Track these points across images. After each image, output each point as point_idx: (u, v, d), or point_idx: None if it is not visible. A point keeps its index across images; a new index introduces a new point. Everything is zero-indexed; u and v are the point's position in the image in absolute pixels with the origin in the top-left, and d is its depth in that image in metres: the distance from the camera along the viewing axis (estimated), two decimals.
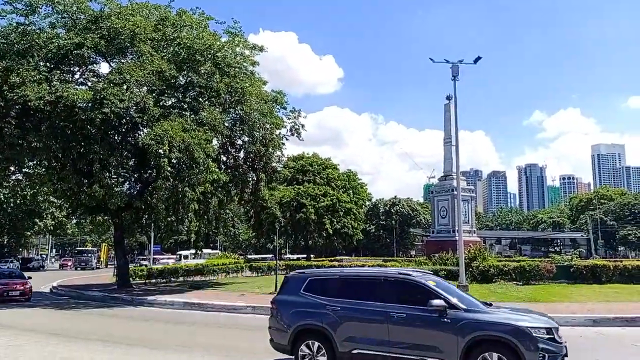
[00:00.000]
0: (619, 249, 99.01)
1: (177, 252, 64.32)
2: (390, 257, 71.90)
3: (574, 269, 26.57)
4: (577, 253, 62.83)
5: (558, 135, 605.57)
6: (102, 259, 72.06)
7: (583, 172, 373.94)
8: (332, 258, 55.93)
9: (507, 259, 42.31)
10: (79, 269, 59.69)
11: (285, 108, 30.17)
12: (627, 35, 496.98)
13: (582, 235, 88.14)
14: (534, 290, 22.53)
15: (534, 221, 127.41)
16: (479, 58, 23.74)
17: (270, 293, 23.59)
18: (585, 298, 19.88)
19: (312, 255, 64.31)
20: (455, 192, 30.46)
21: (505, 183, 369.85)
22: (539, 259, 35.22)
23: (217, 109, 25.68)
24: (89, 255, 66.23)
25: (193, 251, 56.78)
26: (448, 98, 37.23)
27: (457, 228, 27.59)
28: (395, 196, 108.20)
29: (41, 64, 23.31)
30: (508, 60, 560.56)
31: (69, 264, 65.63)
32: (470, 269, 26.62)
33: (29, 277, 25.08)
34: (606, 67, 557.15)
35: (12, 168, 27.18)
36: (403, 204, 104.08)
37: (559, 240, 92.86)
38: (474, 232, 40.62)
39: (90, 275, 44.43)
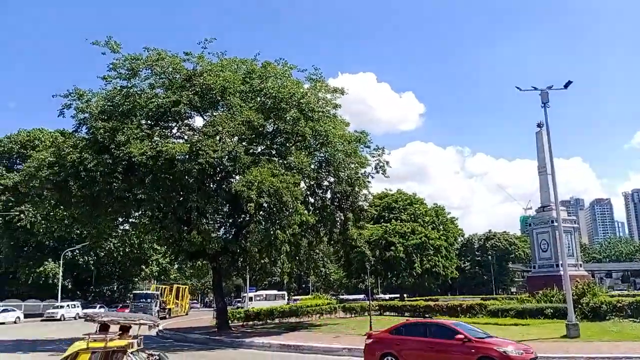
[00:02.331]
0: None
1: (242, 295, 65.19)
2: (488, 294, 68.36)
3: None
4: None
5: None
6: (180, 304, 57.75)
7: None
8: (427, 297, 54.18)
9: (621, 293, 38.70)
10: None
11: (368, 147, 30.44)
12: None
13: None
14: None
15: None
16: (569, 82, 22.69)
17: (365, 335, 23.25)
18: None
19: (405, 295, 62.72)
20: (556, 224, 28.68)
21: (611, 211, 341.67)
22: None
23: (303, 153, 26.43)
24: (149, 301, 47.64)
25: (257, 292, 59.66)
26: (539, 125, 35.67)
27: (561, 262, 25.89)
28: (490, 230, 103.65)
29: (143, 122, 25.47)
30: (599, 82, 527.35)
31: None
32: (580, 306, 24.65)
33: None
34: None
35: (120, 219, 29.43)
36: (499, 238, 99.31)
37: None
38: (580, 266, 37.74)
39: (192, 319, 46.31)
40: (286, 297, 66.10)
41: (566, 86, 22.72)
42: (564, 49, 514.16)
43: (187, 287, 65.82)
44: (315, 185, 29.51)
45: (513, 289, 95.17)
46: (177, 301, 55.67)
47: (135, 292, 54.94)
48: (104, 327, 9.78)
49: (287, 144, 27.69)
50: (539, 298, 29.47)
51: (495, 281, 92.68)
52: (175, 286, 57.72)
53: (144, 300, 47.49)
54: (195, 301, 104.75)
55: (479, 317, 28.73)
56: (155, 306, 46.21)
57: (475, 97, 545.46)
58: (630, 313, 23.67)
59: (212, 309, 44.94)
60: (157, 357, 9.24)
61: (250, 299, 58.68)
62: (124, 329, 9.91)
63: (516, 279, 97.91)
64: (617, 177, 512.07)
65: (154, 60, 25.66)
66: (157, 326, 9.59)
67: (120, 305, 56.36)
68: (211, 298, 78.94)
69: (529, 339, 19.31)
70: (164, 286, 54.15)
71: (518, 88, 23.13)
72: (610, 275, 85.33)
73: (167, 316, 48.94)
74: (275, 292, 67.67)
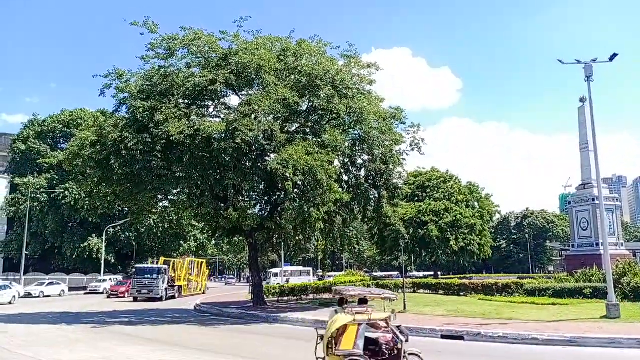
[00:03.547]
0: None
1: (268, 271, 65.76)
2: (525, 273, 67.51)
3: None
4: None
5: None
6: (194, 280, 49.58)
7: None
8: (462, 276, 53.98)
9: None
10: (138, 298, 38.63)
11: (404, 123, 30.19)
12: None
13: None
14: None
15: None
16: (615, 55, 21.80)
17: (399, 312, 23.42)
18: None
19: (439, 273, 62.54)
20: (597, 202, 27.92)
21: None
22: None
23: (338, 131, 26.39)
24: (154, 277, 39.32)
25: (282, 269, 59.37)
26: (582, 100, 34.45)
27: (601, 241, 25.24)
28: (527, 208, 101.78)
29: (180, 101, 25.84)
30: None
31: (122, 290, 44.74)
32: (620, 286, 24.13)
33: None
34: None
35: (159, 196, 30.23)
36: (537, 216, 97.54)
37: None
38: (622, 245, 36.68)
39: (230, 293, 47.49)
40: (312, 274, 66.86)
41: (611, 59, 21.84)
42: (611, 20, 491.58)
43: (204, 261, 58.50)
44: (349, 163, 29.55)
45: (550, 268, 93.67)
46: (190, 277, 48.27)
47: (138, 265, 44.73)
48: (362, 301, 10.36)
49: (322, 122, 27.71)
50: (577, 277, 28.96)
51: (532, 260, 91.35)
52: (188, 259, 50.17)
53: (148, 275, 39.34)
54: (232, 277, 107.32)
55: (515, 296, 28.49)
56: (163, 283, 39.13)
57: (514, 72, 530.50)
58: None
59: (248, 284, 45.93)
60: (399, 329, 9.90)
61: (275, 275, 59.65)
62: (362, 302, 10.45)
63: (554, 258, 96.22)
64: None
65: (191, 40, 25.91)
66: (396, 299, 10.60)
67: (117, 281, 50.19)
68: (248, 274, 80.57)
69: (567, 319, 19.11)
70: (175, 260, 46.61)
71: (560, 61, 22.39)
72: None
73: (177, 295, 42.55)
74: (300, 268, 68.55)
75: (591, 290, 25.17)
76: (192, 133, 23.50)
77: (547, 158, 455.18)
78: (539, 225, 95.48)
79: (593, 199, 33.41)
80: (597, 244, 31.93)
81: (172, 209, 33.44)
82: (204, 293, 49.12)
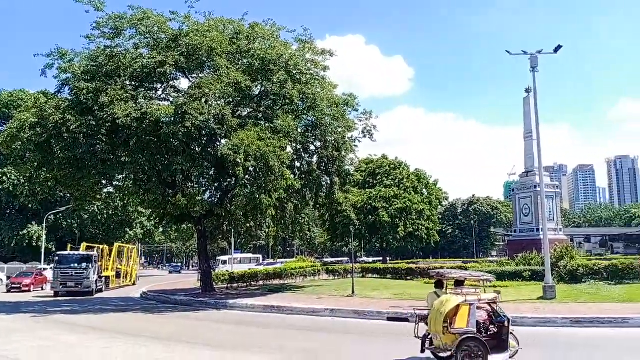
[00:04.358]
0: None
1: (217, 258, 65.30)
2: (469, 258, 69.93)
3: None
4: None
5: None
6: (123, 270, 41.94)
7: None
8: (409, 260, 55.28)
9: (598, 257, 39.83)
10: (61, 292, 31.52)
11: (356, 110, 30.30)
12: None
13: None
14: (628, 290, 21.12)
15: (627, 216, 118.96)
16: (559, 47, 22.69)
17: (347, 296, 23.79)
18: None
19: (388, 258, 63.85)
20: (538, 189, 29.15)
21: (593, 177, 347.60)
22: (634, 257, 32.94)
23: (290, 116, 26.26)
24: (84, 266, 32.16)
25: (231, 256, 58.95)
26: (527, 91, 35.79)
27: (541, 226, 26.43)
28: (473, 195, 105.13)
29: (127, 83, 24.99)
30: (587, 48, 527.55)
31: (27, 283, 36.29)
32: (557, 269, 25.38)
33: None
34: None
35: (103, 182, 29.24)
36: (482, 203, 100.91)
37: None
38: (560, 230, 38.63)
39: (174, 282, 46.62)
40: (261, 260, 66.87)
41: (556, 50, 22.71)
42: (556, 13, 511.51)
43: (135, 247, 51.62)
44: (301, 149, 29.42)
45: (494, 253, 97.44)
46: (119, 267, 41.13)
47: (61, 253, 35.50)
48: (458, 283, 10.78)
49: (274, 107, 27.38)
50: (518, 261, 30.24)
51: (477, 245, 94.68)
52: (116, 245, 42.03)
53: (75, 264, 31.98)
54: (178, 264, 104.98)
55: None
56: (94, 274, 32.71)
57: (464, 63, 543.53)
58: (606, 276, 24.44)
59: (196, 271, 45.22)
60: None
61: (224, 262, 59.31)
62: (459, 284, 10.81)
63: (497, 243, 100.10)
64: (601, 143, 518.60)
65: (139, 20, 25.01)
66: (493, 281, 11.37)
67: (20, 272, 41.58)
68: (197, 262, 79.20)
69: (506, 301, 19.91)
70: (99, 246, 38.97)
71: (508, 52, 23.13)
72: (589, 240, 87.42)
73: (104, 287, 35.19)
74: (250, 255, 68.33)
75: (530, 273, 26.34)
76: (139, 116, 22.79)
77: (494, 147, 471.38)
78: (484, 211, 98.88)
79: (535, 187, 34.91)
80: (538, 230, 33.46)
81: (117, 195, 32.49)
82: (134, 284, 42.60)
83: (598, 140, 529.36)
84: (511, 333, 9.95)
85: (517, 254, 32.52)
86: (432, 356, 10.39)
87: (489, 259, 65.48)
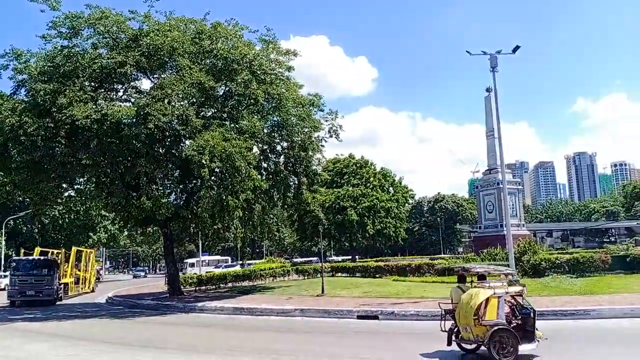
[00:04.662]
0: None
1: (185, 261, 64.34)
2: (436, 254, 70.99)
3: (630, 259, 25.63)
4: (634, 242, 60.03)
5: (605, 121, 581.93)
6: (82, 276, 38.16)
7: (635, 158, 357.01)
8: (378, 258, 55.71)
9: (560, 251, 41.02)
10: (17, 302, 28.29)
11: (322, 110, 30.28)
12: None
13: (637, 224, 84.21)
14: (589, 282, 21.80)
15: (586, 211, 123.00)
16: (517, 47, 23.19)
17: (317, 295, 23.79)
18: None
19: (357, 257, 64.24)
20: (501, 186, 29.81)
21: (554, 174, 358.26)
22: (593, 250, 34.05)
23: (256, 117, 26.07)
24: (45, 272, 29.24)
25: (199, 258, 57.96)
26: (488, 90, 36.56)
27: (504, 222, 27.00)
28: (439, 192, 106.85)
29: (86, 84, 24.31)
30: (545, 48, 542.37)
31: None
32: (521, 264, 26.00)
33: None
34: None
35: (64, 185, 28.40)
36: (447, 200, 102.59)
37: (613, 230, 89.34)
38: (523, 226, 39.64)
39: (139, 286, 45.66)
40: (230, 262, 66.27)
41: (514, 51, 23.21)
42: (516, 14, 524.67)
43: (93, 251, 47.25)
44: (268, 149, 29.27)
45: (460, 249, 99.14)
46: (77, 272, 37.29)
47: (18, 258, 32.05)
48: (481, 277, 11.23)
49: (239, 108, 27.15)
50: (483, 257, 30.82)
51: (443, 242, 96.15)
52: (74, 249, 37.54)
53: (35, 271, 28.94)
54: (142, 269, 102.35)
55: (426, 276, 29.84)
56: (57, 279, 29.91)
57: (427, 63, 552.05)
58: (568, 269, 25.17)
59: (164, 275, 44.41)
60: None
61: (192, 265, 58.34)
62: (481, 278, 11.24)
63: (463, 240, 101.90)
64: (560, 141, 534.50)
65: (97, 19, 24.32)
66: (515, 274, 11.64)
67: None
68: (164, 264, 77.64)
69: None
70: (54, 250, 36.20)
71: (468, 52, 23.49)
72: (551, 235, 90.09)
73: (63, 295, 31.46)
74: (218, 257, 67.50)
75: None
76: (99, 118, 22.13)
77: (459, 145, 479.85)
78: (449, 208, 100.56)
79: (498, 184, 35.70)
80: (502, 225, 34.22)
81: (78, 198, 31.56)
82: (92, 291, 39.36)
83: (558, 138, 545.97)
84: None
85: (482, 249, 33.16)
86: (426, 353, 10.80)
87: (455, 255, 66.60)
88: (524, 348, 9.67)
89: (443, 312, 11.16)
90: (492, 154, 38.27)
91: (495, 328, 9.66)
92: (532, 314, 10.17)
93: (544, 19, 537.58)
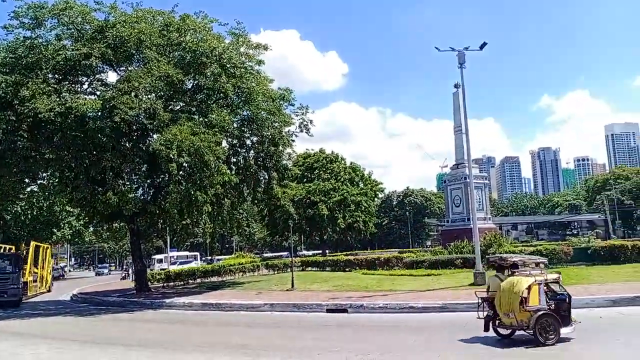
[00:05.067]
0: (638, 228, 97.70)
1: (152, 257, 63.43)
2: (405, 248, 71.90)
3: (591, 251, 26.45)
4: (595, 234, 62.14)
5: (569, 117, 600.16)
6: (39, 274, 34.98)
7: (597, 153, 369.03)
8: (348, 252, 56.08)
9: (524, 244, 42.09)
10: None
11: (293, 105, 30.15)
12: (631, 14, 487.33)
13: (599, 217, 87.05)
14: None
15: (550, 205, 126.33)
16: (484, 44, 23.57)
17: (287, 290, 23.82)
18: (604, 279, 19.75)
19: (327, 251, 64.50)
20: (468, 180, 30.36)
21: (519, 168, 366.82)
22: (556, 243, 35.04)
23: (226, 111, 25.81)
24: (8, 269, 26.34)
25: (166, 254, 56.87)
26: (456, 86, 37.06)
27: (471, 216, 27.52)
28: (408, 187, 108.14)
29: (50, 76, 23.65)
30: (511, 46, 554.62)
31: None
32: (487, 256, 26.44)
33: None
34: (611, 47, 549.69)
35: (26, 180, 27.58)
36: (416, 195, 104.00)
37: (576, 223, 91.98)
38: (489, 219, 40.44)
39: (103, 283, 44.83)
40: (199, 258, 65.61)
41: (481, 47, 23.58)
42: (481, 11, 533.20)
43: (49, 246, 43.34)
44: (238, 144, 29.04)
45: (428, 242, 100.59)
46: (35, 270, 34.18)
47: None
48: (514, 266, 11.47)
49: (208, 101, 26.81)
50: (450, 250, 31.43)
51: (412, 235, 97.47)
52: (33, 244, 34.86)
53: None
54: (105, 265, 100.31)
55: (395, 269, 30.21)
56: (23, 277, 27.85)
57: (397, 58, 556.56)
58: None
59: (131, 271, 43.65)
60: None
61: (160, 261, 57.41)
62: (514, 267, 11.47)
63: (431, 233, 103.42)
64: (526, 136, 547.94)
65: (61, 9, 23.66)
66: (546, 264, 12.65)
67: None
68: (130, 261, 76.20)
69: (440, 288, 20.69)
70: (5, 245, 33.77)
71: (437, 48, 23.77)
72: (516, 228, 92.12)
73: (22, 295, 27.75)
74: (187, 253, 66.77)
75: (461, 261, 27.45)
76: (63, 111, 21.59)
77: (427, 140, 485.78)
78: (418, 203, 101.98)
79: (465, 178, 36.31)
80: (468, 219, 34.84)
81: (41, 193, 30.74)
82: (49, 291, 36.75)
83: (524, 133, 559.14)
84: None
85: (449, 242, 33.76)
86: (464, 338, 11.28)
87: (423, 248, 67.58)
88: (563, 331, 10.32)
89: (480, 301, 11.59)
90: (460, 149, 38.88)
91: (540, 313, 10.29)
92: (567, 299, 10.82)
93: (512, 17, 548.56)
